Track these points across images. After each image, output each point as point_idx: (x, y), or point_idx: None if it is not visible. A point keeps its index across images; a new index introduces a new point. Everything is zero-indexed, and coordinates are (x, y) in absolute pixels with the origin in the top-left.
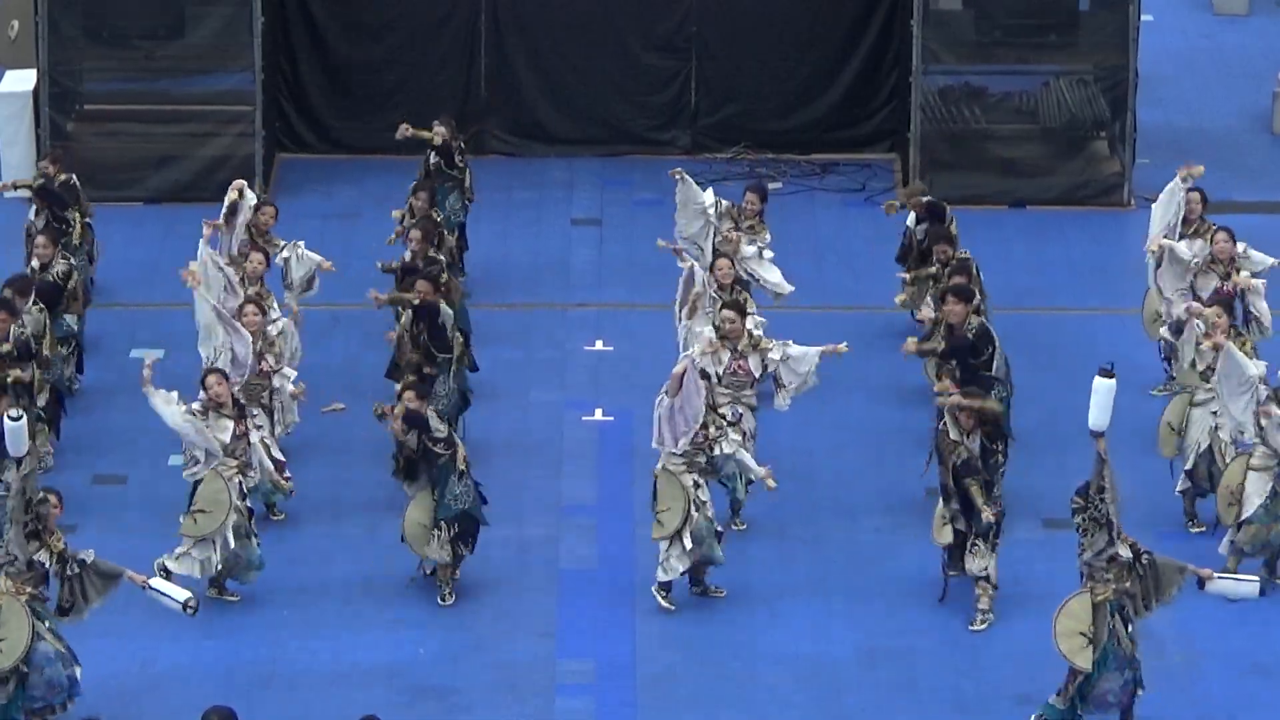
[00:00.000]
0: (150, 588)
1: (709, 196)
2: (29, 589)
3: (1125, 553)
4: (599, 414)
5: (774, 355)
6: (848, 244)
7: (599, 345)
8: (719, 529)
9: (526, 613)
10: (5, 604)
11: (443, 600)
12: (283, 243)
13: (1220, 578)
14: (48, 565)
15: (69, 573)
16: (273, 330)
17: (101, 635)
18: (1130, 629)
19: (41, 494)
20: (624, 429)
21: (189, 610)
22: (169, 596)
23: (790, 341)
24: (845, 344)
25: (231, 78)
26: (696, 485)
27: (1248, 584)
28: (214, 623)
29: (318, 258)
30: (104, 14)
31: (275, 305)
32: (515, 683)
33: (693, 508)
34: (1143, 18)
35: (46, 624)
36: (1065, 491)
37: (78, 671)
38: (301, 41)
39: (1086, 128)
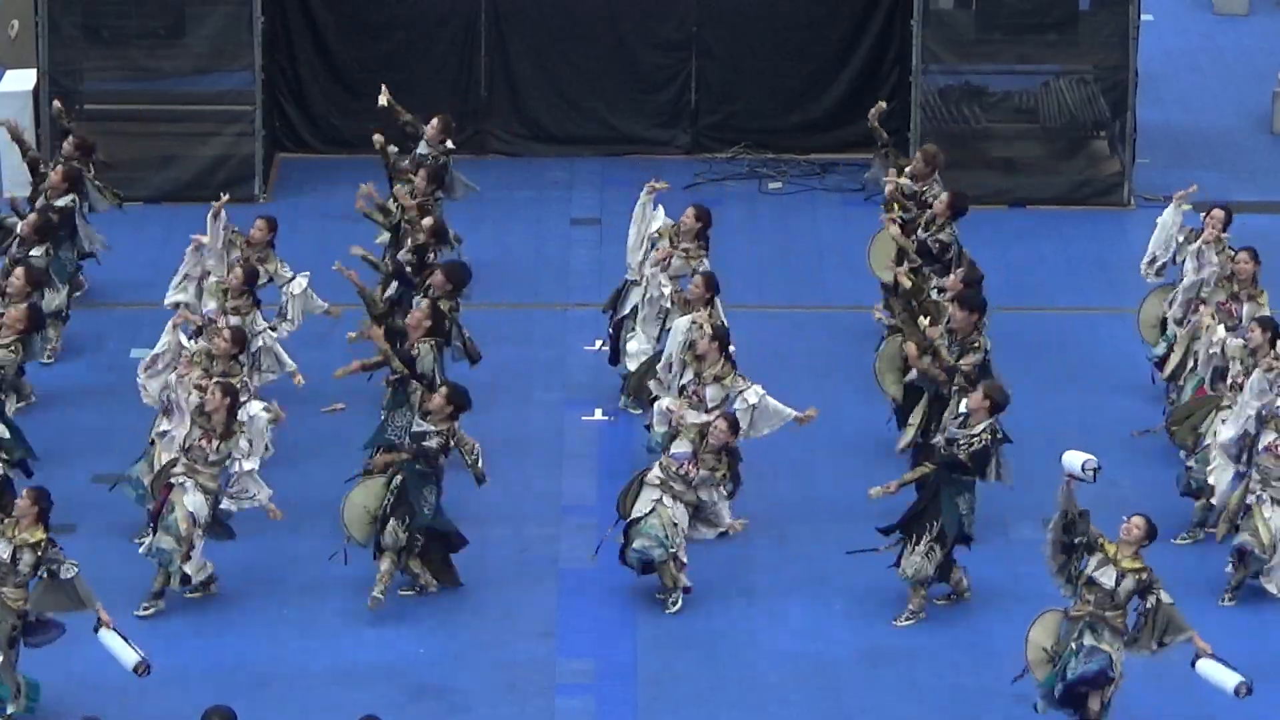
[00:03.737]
0: (108, 636)
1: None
2: None
3: (1107, 581)
4: (599, 414)
5: (749, 398)
6: (848, 244)
7: (599, 345)
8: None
9: (526, 613)
10: None
11: (375, 601)
12: (288, 274)
13: (1213, 660)
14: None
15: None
16: (258, 342)
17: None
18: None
19: None
20: (624, 429)
21: (140, 672)
22: (120, 657)
23: (764, 392)
24: (814, 410)
25: (231, 78)
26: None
27: (1232, 677)
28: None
29: (318, 302)
30: (104, 14)
31: (259, 318)
32: (515, 683)
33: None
34: (1143, 18)
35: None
36: None
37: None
38: (301, 41)
39: (1086, 127)
